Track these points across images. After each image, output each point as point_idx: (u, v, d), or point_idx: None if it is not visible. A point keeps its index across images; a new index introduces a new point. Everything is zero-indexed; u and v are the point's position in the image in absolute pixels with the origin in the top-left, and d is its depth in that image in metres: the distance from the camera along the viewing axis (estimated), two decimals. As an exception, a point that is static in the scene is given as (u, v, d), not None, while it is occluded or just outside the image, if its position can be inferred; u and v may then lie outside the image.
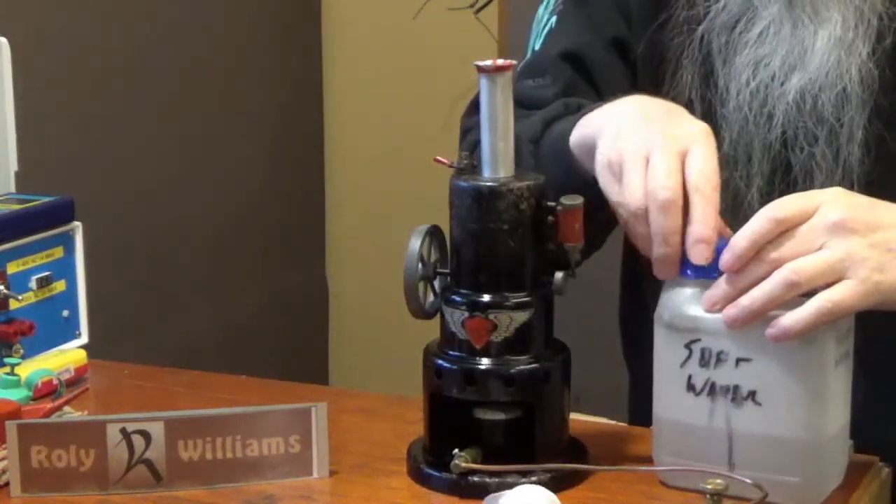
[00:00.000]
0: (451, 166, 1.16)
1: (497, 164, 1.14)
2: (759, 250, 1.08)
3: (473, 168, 1.15)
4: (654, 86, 1.35)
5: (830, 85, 1.27)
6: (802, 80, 1.27)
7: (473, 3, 2.67)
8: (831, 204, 1.09)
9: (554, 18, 1.44)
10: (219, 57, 2.62)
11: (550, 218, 1.14)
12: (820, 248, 1.07)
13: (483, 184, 1.13)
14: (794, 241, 1.08)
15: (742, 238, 1.08)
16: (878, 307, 1.09)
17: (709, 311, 1.10)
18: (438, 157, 1.17)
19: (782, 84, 1.28)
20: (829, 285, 1.07)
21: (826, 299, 1.07)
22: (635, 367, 1.51)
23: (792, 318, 1.07)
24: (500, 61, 1.14)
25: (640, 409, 1.47)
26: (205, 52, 2.57)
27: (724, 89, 1.32)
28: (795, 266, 1.07)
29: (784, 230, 1.08)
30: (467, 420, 1.15)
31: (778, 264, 1.07)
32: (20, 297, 1.42)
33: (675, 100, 1.30)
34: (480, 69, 1.13)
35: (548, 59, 1.41)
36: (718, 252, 1.10)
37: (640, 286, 1.40)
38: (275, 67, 2.79)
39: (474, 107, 1.20)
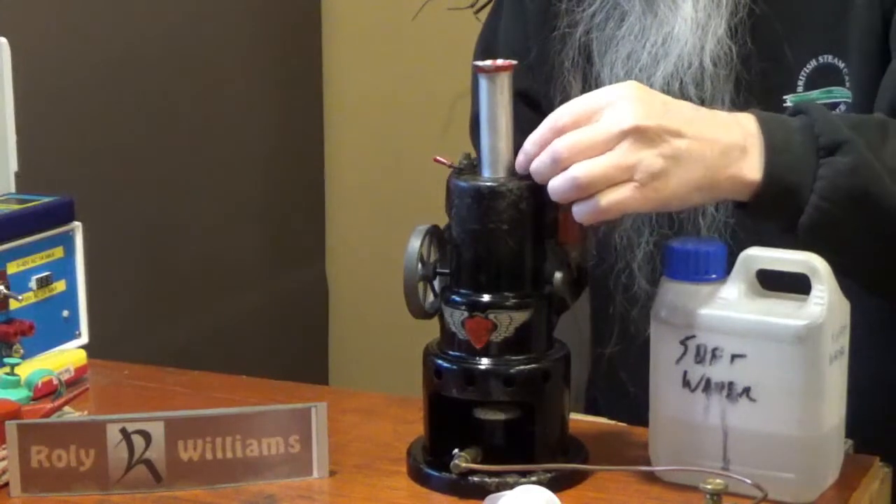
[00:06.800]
0: (450, 166, 1.16)
1: (497, 164, 1.14)
2: (550, 148, 1.11)
3: (473, 168, 1.16)
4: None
5: (689, 66, 1.29)
6: (668, 68, 1.30)
7: (473, 3, 2.67)
8: (623, 106, 1.10)
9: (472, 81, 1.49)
10: (219, 57, 2.61)
11: (550, 218, 1.14)
12: (609, 151, 1.09)
13: (483, 184, 1.13)
14: (583, 143, 1.10)
15: (531, 144, 1.12)
16: (657, 210, 1.17)
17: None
18: (438, 157, 1.17)
19: (651, 75, 1.31)
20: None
21: (605, 199, 1.09)
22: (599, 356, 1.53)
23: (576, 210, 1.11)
24: (500, 61, 1.14)
25: (599, 399, 1.49)
26: (205, 52, 2.57)
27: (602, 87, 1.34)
28: (583, 168, 1.09)
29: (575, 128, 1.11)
30: (467, 420, 1.16)
31: (566, 165, 1.10)
32: (20, 297, 1.42)
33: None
34: (480, 69, 1.13)
35: (470, 125, 1.51)
36: (709, 256, 1.11)
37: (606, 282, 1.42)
38: (275, 67, 2.79)
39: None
